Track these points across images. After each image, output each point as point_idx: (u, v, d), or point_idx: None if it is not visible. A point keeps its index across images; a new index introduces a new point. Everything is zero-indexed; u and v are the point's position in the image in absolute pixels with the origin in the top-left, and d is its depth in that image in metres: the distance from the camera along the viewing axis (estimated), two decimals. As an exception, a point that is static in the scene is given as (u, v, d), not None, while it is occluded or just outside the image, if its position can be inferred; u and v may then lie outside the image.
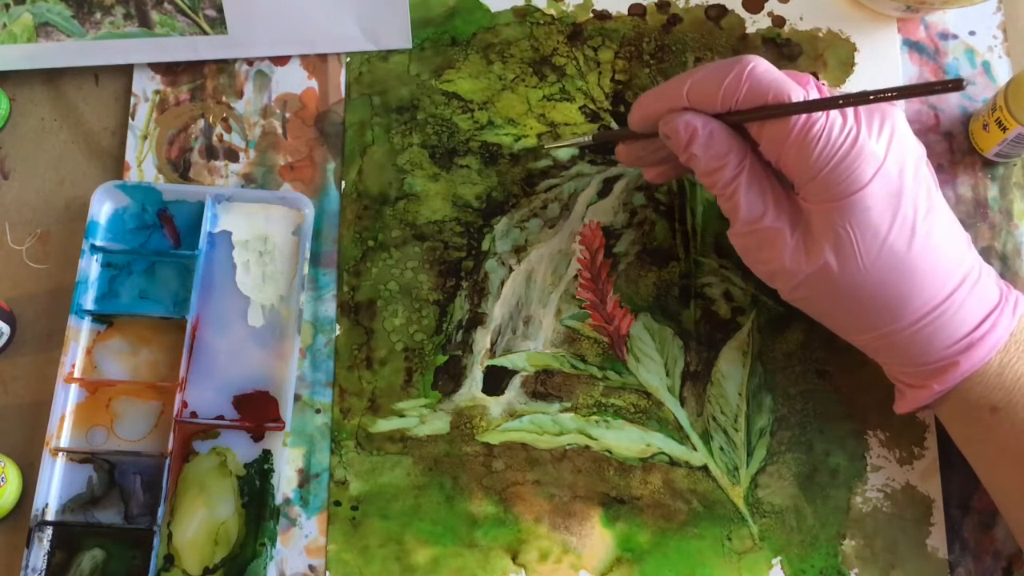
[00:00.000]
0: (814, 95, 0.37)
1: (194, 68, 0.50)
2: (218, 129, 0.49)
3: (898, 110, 0.38)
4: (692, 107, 0.38)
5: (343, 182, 0.48)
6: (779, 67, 0.38)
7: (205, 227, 0.46)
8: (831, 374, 0.45)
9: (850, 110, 0.36)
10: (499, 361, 0.45)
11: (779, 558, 0.43)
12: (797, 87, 0.37)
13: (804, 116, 0.36)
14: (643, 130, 0.41)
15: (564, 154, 0.48)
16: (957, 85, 0.33)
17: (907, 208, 0.36)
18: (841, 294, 0.38)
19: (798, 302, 0.40)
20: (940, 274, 0.37)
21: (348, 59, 0.50)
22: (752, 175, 0.38)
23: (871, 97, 0.35)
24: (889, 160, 0.36)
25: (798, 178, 0.37)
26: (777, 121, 0.37)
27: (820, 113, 0.36)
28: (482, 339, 0.46)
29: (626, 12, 0.50)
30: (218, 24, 0.49)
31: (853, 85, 0.49)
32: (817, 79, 0.38)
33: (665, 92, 0.39)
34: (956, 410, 0.40)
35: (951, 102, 0.49)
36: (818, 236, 0.37)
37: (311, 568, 0.43)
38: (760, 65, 0.37)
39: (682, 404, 0.45)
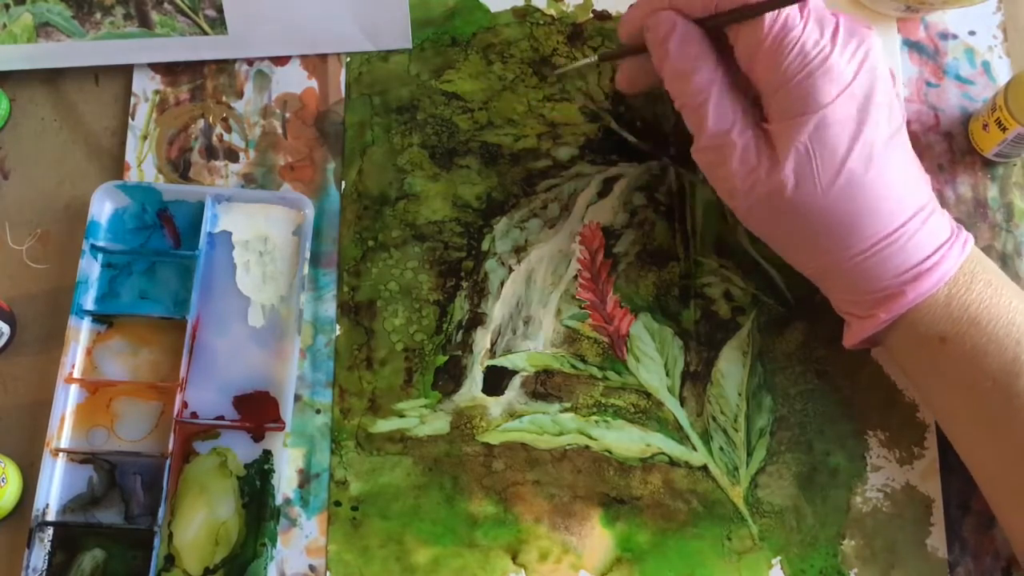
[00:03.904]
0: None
1: (194, 68, 0.50)
2: (218, 129, 0.49)
3: (876, 37, 0.38)
4: (675, 9, 0.40)
5: (343, 182, 0.48)
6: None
7: (205, 227, 0.46)
8: (831, 374, 0.45)
9: (828, 29, 0.37)
10: (499, 361, 0.45)
11: (779, 558, 0.43)
12: None
13: (780, 24, 0.37)
14: (631, 42, 0.43)
15: (564, 154, 0.48)
16: None
17: (868, 134, 0.37)
18: (796, 215, 0.38)
19: (752, 222, 0.41)
20: (894, 203, 0.38)
21: (348, 59, 0.50)
22: (723, 87, 0.39)
23: None
24: (856, 83, 0.37)
25: (766, 87, 0.38)
26: (754, 26, 0.37)
27: (797, 23, 0.37)
28: (482, 339, 0.46)
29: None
30: (218, 24, 0.49)
31: (853, 85, 0.49)
32: None
33: None
34: (905, 341, 0.40)
35: (951, 103, 0.49)
36: (780, 153, 0.38)
37: (311, 568, 0.43)
38: None
39: (682, 404, 0.45)
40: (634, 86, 0.45)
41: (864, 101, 0.37)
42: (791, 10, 0.37)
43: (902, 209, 0.38)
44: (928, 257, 0.38)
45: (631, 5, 0.42)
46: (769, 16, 0.37)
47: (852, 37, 0.37)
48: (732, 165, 0.39)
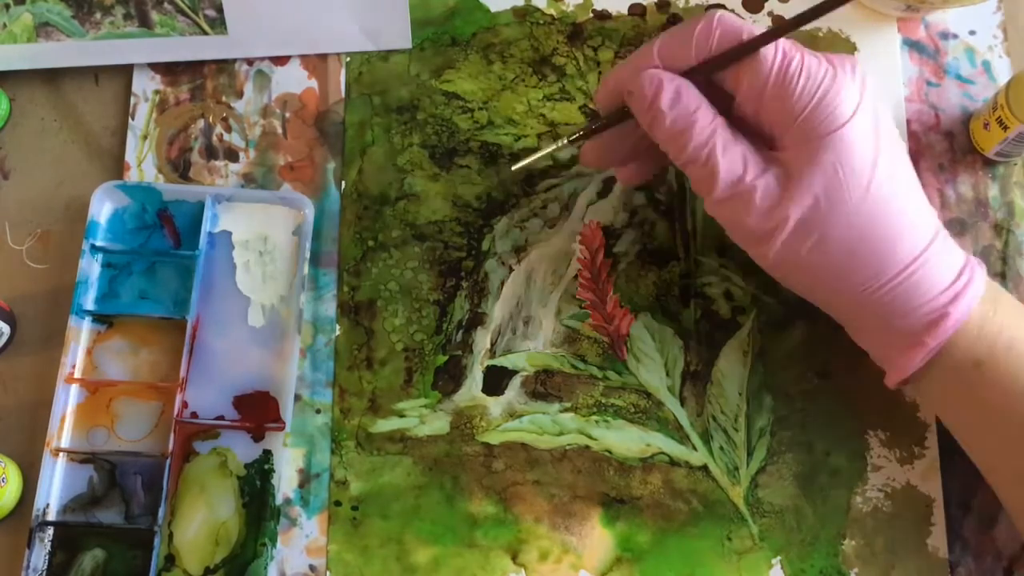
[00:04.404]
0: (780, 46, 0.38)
1: (194, 68, 0.50)
2: (218, 129, 0.49)
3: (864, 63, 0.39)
4: (663, 66, 0.38)
5: (343, 182, 0.48)
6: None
7: (205, 227, 0.46)
8: (831, 374, 0.45)
9: (818, 55, 0.37)
10: (499, 361, 0.45)
11: (779, 558, 0.43)
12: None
13: (780, 58, 0.36)
14: (610, 107, 0.41)
15: (564, 154, 0.48)
16: None
17: (887, 146, 0.37)
18: (829, 241, 0.37)
19: (783, 265, 0.39)
20: (921, 219, 0.37)
21: (348, 59, 0.50)
22: (725, 133, 0.38)
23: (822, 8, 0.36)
24: (866, 99, 0.37)
25: (780, 123, 0.37)
26: (754, 65, 0.37)
27: (794, 52, 0.37)
28: (482, 339, 0.46)
29: (626, 12, 0.50)
30: (218, 24, 0.49)
31: (853, 84, 0.49)
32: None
33: (633, 59, 0.39)
34: (941, 373, 0.39)
35: (951, 102, 0.49)
36: (804, 179, 0.36)
37: (312, 568, 0.43)
38: (728, 15, 0.38)
39: (682, 404, 0.45)
40: (602, 162, 0.43)
41: (874, 115, 0.37)
42: (784, 41, 0.37)
43: (927, 226, 0.37)
44: (960, 273, 0.37)
45: (605, 75, 0.41)
46: (766, 50, 0.37)
47: (838, 58, 0.37)
48: (756, 206, 0.37)
